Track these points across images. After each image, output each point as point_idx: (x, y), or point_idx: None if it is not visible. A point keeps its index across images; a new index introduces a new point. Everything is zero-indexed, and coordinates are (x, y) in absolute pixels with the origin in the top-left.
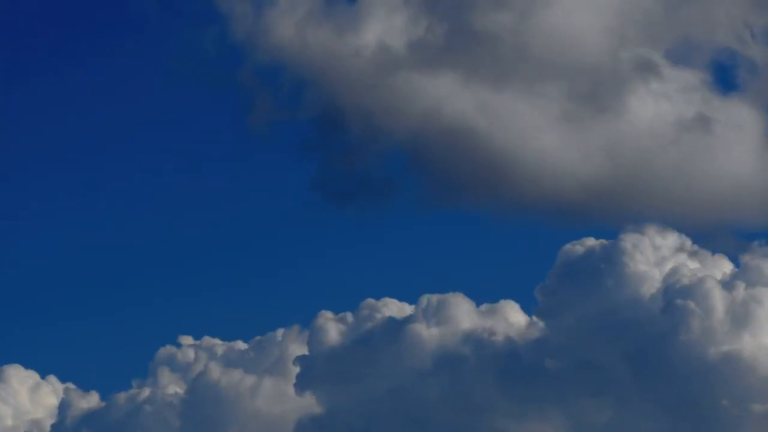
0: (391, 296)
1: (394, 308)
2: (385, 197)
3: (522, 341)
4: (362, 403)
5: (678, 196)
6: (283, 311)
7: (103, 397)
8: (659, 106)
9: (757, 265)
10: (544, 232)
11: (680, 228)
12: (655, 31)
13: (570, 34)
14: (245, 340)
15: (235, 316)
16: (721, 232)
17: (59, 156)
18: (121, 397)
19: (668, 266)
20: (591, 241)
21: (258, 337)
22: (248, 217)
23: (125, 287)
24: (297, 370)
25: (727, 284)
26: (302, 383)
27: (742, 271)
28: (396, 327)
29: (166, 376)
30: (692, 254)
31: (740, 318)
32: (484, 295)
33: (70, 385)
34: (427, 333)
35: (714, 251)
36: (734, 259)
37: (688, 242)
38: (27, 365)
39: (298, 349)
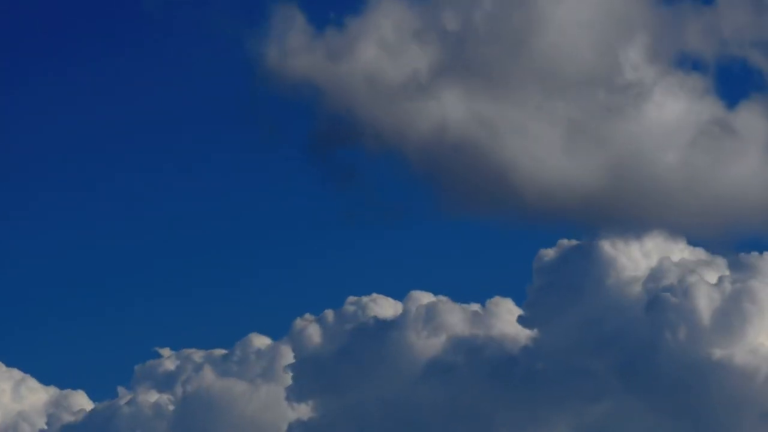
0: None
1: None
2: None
3: (514, 346)
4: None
5: (682, 204)
6: (261, 317)
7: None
8: (664, 116)
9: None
10: (545, 237)
11: (680, 233)
12: (658, 41)
13: (570, 48)
14: (225, 347)
15: (213, 323)
16: (721, 237)
17: (45, 159)
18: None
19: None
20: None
21: (238, 343)
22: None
23: (108, 290)
24: (287, 377)
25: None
26: (294, 390)
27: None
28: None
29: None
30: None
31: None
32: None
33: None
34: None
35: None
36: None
37: (683, 247)
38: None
39: (283, 354)
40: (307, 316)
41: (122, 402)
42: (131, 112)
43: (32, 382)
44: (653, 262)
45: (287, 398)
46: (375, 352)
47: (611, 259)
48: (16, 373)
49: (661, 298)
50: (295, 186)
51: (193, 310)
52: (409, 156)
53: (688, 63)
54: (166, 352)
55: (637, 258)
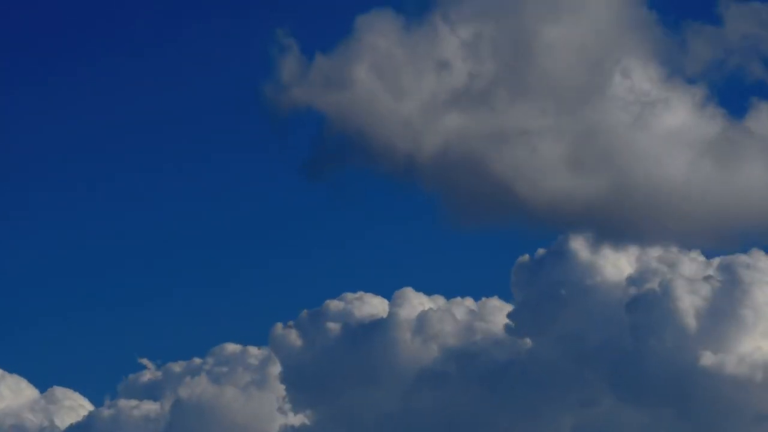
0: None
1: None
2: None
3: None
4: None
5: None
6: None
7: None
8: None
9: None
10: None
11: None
12: (659, 54)
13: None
14: (208, 354)
15: (195, 329)
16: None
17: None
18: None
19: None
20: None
21: (218, 349)
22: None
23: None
24: (277, 385)
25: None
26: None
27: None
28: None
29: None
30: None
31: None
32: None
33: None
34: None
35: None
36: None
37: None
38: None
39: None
40: (305, 311)
41: (108, 411)
42: (133, 116)
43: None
44: (638, 265)
45: (279, 409)
46: (365, 355)
47: (590, 264)
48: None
49: (646, 301)
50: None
51: (180, 315)
52: (416, 172)
53: (691, 75)
54: (147, 362)
55: (620, 263)
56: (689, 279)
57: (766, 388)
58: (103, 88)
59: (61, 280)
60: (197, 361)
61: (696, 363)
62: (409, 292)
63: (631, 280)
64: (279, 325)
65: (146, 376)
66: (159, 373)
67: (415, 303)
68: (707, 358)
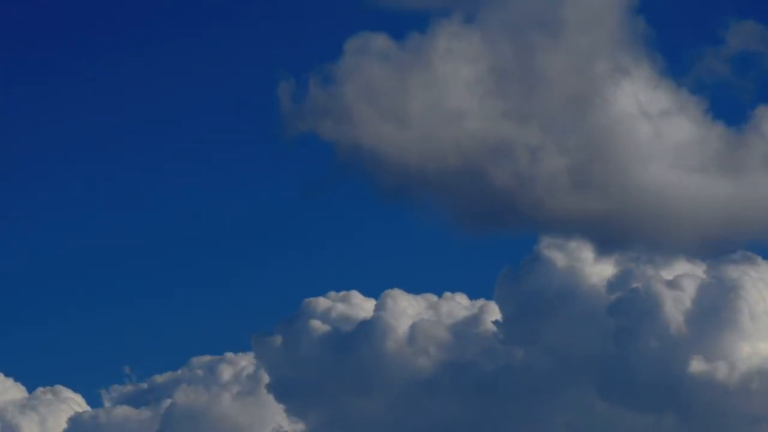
0: None
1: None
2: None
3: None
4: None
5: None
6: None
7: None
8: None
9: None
10: None
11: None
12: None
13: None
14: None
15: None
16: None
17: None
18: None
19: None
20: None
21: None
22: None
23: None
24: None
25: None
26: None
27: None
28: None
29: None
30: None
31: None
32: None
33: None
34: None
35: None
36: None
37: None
38: None
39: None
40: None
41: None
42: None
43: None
44: (626, 271)
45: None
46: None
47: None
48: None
49: (630, 307)
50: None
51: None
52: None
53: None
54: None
55: (609, 269)
56: (680, 283)
57: (755, 392)
58: (104, 89)
59: (50, 281)
60: (184, 370)
61: (686, 368)
62: (396, 293)
63: (617, 286)
64: (263, 332)
65: (129, 387)
66: (144, 385)
67: (403, 305)
68: (697, 364)
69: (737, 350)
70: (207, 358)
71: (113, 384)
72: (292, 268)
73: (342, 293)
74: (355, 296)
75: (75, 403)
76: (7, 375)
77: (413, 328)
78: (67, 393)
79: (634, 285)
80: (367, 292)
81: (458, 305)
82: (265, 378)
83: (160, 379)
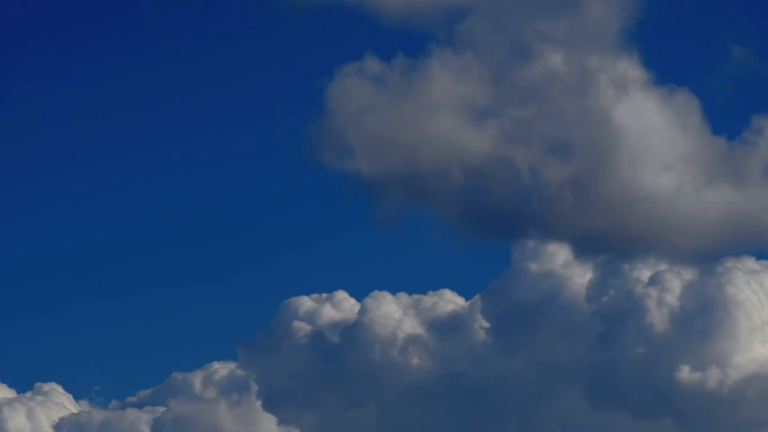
0: None
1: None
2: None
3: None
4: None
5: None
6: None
7: None
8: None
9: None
10: None
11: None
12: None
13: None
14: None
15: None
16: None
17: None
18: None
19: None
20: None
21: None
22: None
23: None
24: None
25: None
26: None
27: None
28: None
29: None
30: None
31: None
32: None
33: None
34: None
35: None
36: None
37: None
38: None
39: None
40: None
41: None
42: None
43: None
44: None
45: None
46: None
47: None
48: None
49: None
50: None
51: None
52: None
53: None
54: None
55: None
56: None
57: (748, 397)
58: (105, 90)
59: (41, 280)
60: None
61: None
62: (381, 295)
63: (601, 291)
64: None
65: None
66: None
67: (389, 308)
68: (686, 369)
69: (727, 355)
70: (189, 372)
71: (104, 387)
72: (277, 272)
73: (324, 295)
74: (341, 295)
75: (66, 403)
76: None
77: (400, 334)
78: (58, 392)
79: (624, 289)
80: (353, 294)
81: (446, 310)
82: (254, 386)
83: (144, 393)
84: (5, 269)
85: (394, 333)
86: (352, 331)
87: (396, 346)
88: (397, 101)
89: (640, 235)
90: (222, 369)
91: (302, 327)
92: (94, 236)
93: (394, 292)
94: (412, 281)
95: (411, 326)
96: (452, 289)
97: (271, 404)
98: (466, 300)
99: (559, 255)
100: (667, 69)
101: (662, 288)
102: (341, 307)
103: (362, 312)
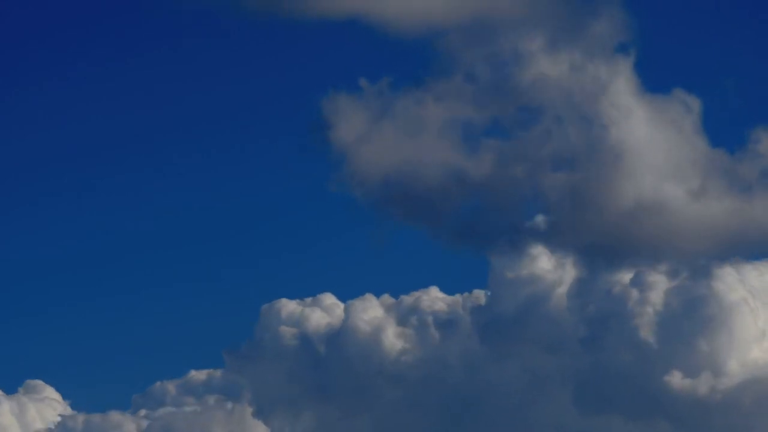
0: None
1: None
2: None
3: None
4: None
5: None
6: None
7: None
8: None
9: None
10: None
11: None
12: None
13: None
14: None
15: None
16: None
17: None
18: None
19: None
20: None
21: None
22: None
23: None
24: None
25: None
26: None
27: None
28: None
29: None
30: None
31: None
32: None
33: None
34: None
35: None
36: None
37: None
38: None
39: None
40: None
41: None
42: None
43: None
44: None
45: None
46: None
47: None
48: None
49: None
50: None
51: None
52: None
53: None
54: None
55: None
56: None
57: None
58: (103, 95)
59: (29, 282)
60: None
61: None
62: (367, 299)
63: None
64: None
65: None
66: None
67: (374, 312)
68: (676, 375)
69: (720, 361)
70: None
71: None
72: (260, 276)
73: (309, 299)
74: (328, 298)
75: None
76: None
77: (386, 339)
78: (50, 393)
79: (615, 296)
80: (339, 297)
81: (433, 313)
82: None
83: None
84: None
85: (380, 338)
86: (339, 336)
87: (383, 352)
88: (394, 117)
89: (638, 245)
90: (209, 376)
91: (288, 331)
92: (81, 241)
93: (378, 294)
94: (397, 284)
95: (397, 331)
96: (440, 291)
97: (260, 412)
98: (454, 305)
99: (544, 260)
100: (665, 79)
101: (657, 294)
102: (327, 310)
103: (347, 317)
